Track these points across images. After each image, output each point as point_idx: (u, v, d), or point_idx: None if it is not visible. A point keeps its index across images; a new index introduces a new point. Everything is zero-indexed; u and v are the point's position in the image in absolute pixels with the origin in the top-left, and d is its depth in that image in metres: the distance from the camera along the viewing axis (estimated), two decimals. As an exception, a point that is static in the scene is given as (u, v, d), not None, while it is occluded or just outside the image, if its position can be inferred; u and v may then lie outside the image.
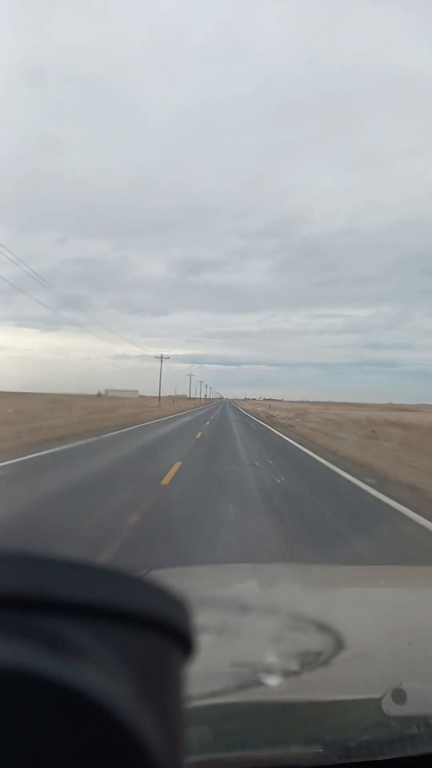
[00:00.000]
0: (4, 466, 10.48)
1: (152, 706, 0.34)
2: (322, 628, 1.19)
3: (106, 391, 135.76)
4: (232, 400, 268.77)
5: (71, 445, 14.96)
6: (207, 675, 0.92)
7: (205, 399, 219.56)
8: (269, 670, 0.96)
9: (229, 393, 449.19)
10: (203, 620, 1.12)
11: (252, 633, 1.23)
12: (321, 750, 0.79)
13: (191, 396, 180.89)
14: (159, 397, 75.25)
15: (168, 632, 0.38)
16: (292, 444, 18.49)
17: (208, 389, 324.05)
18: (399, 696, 0.87)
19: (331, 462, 12.92)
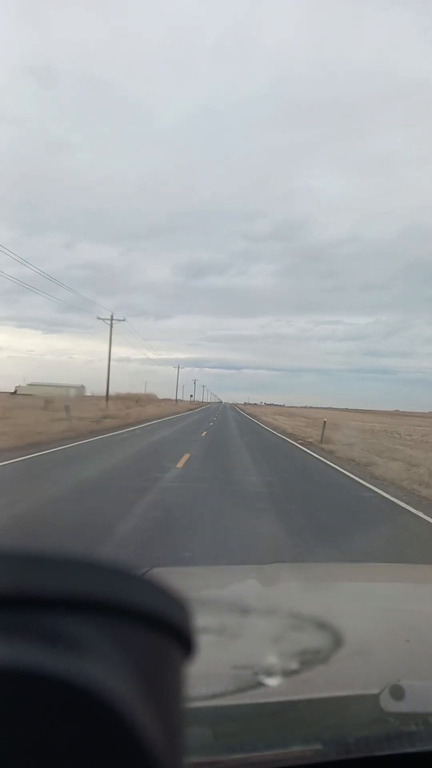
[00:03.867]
0: None
1: (153, 703, 0.34)
2: (321, 626, 1.21)
3: (29, 384, 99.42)
4: (233, 404, 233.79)
5: None
6: (207, 676, 0.93)
7: (193, 402, 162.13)
8: (269, 671, 0.98)
9: (229, 397, 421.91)
10: (203, 621, 1.15)
11: (252, 634, 1.24)
12: (321, 747, 0.79)
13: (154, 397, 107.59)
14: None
15: (169, 630, 0.38)
16: None
17: (201, 388, 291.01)
18: (397, 693, 0.88)
19: None
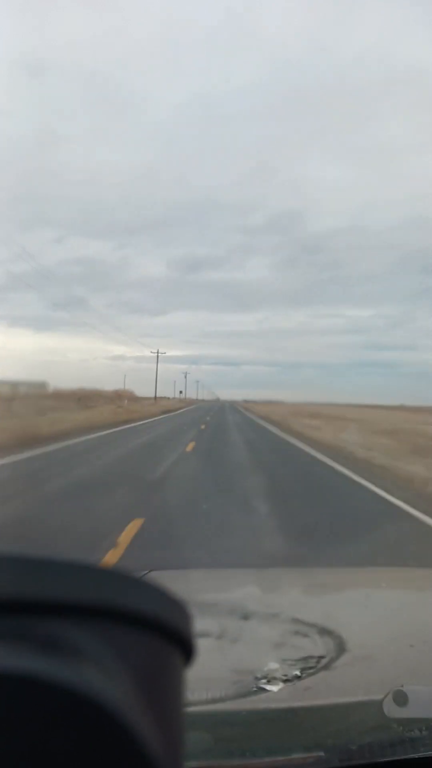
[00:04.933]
0: None
1: (152, 709, 0.34)
2: (323, 631, 1.20)
3: None
4: (232, 402, 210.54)
5: None
6: (207, 681, 0.93)
7: (183, 400, 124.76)
8: (270, 676, 0.97)
9: (227, 394, 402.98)
10: (203, 625, 1.14)
11: (252, 638, 1.24)
12: (322, 754, 0.79)
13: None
14: None
15: (168, 635, 0.38)
16: None
17: (194, 383, 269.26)
18: (400, 698, 0.87)
19: None
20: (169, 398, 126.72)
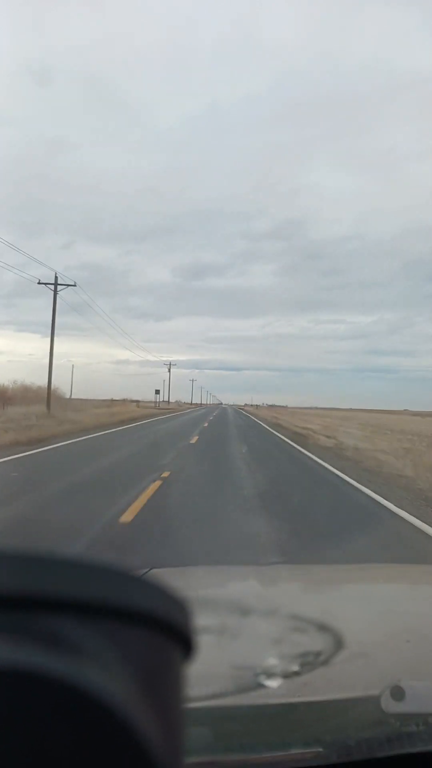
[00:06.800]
0: None
1: (153, 705, 0.34)
2: (321, 627, 1.21)
3: None
4: (235, 406, 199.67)
5: None
6: (207, 676, 0.93)
7: (158, 405, 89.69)
8: (269, 672, 0.98)
9: (229, 398, 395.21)
10: (203, 621, 1.15)
11: (252, 634, 1.26)
12: (321, 750, 0.79)
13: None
14: None
15: (168, 631, 0.37)
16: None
17: (189, 384, 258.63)
18: (398, 694, 0.87)
19: None
20: (138, 402, 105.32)
